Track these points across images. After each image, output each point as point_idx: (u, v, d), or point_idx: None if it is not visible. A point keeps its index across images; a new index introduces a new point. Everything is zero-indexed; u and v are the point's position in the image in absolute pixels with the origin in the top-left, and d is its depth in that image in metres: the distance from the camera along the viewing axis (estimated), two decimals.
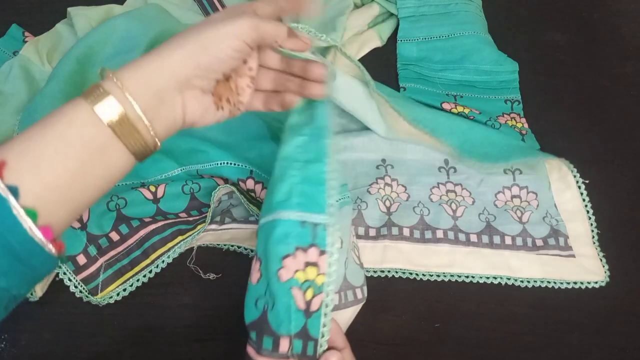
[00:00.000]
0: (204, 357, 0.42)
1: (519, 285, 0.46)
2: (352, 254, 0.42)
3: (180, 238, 0.45)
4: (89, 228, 0.44)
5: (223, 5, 0.62)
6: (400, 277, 0.46)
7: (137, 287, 0.44)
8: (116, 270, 0.44)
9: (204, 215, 0.47)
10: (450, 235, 0.48)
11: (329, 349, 0.32)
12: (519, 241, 0.49)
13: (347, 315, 0.40)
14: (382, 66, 0.61)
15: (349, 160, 0.52)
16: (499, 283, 0.46)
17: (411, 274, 0.46)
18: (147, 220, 0.46)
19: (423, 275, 0.46)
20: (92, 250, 0.43)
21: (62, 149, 0.25)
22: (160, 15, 0.55)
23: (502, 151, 0.52)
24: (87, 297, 0.42)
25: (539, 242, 0.49)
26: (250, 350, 0.32)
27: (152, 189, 0.47)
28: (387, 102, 0.48)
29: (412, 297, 0.45)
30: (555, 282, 0.47)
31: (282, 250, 0.31)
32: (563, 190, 0.52)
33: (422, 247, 0.48)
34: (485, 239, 0.49)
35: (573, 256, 0.48)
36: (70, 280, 0.42)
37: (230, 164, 0.48)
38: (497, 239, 0.49)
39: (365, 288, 0.42)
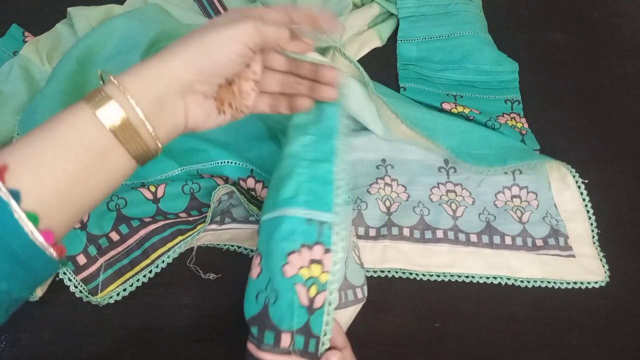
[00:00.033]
0: (204, 357, 0.42)
1: (519, 285, 0.46)
2: (353, 254, 0.42)
3: (180, 238, 0.45)
4: (89, 228, 0.44)
5: (223, 5, 0.62)
6: (400, 277, 0.46)
7: (137, 287, 0.44)
8: (116, 270, 0.44)
9: (204, 215, 0.47)
10: (450, 235, 0.49)
11: (330, 348, 0.32)
12: (519, 241, 0.49)
13: (348, 315, 0.40)
14: (382, 66, 0.61)
15: (348, 160, 0.52)
16: (499, 283, 0.46)
17: (411, 274, 0.46)
18: (147, 220, 0.46)
19: (423, 275, 0.46)
20: (92, 250, 0.43)
21: (64, 152, 0.25)
22: (160, 15, 0.55)
23: (499, 154, 0.52)
24: (87, 297, 0.42)
25: (539, 242, 0.49)
26: (250, 346, 0.32)
27: (152, 189, 0.47)
28: (385, 103, 0.48)
29: (412, 297, 0.45)
30: (555, 282, 0.47)
31: (288, 246, 0.32)
32: (563, 190, 0.52)
33: (422, 247, 0.48)
34: (485, 239, 0.49)
35: (573, 256, 0.48)
36: (70, 280, 0.42)
37: (231, 162, 0.48)
38: (497, 239, 0.49)
39: (365, 288, 0.42)
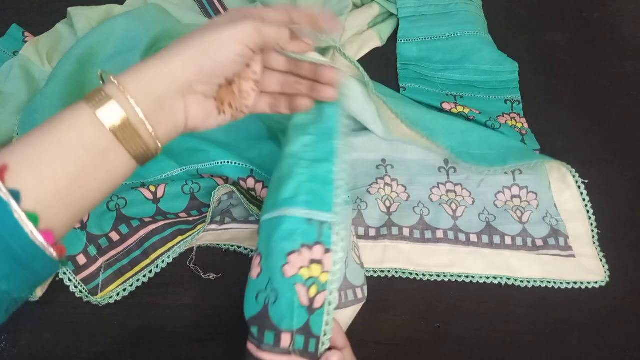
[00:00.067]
0: (204, 357, 0.42)
1: (519, 285, 0.46)
2: (353, 254, 0.42)
3: (180, 238, 0.45)
4: (89, 228, 0.44)
5: (223, 5, 0.62)
6: (400, 277, 0.46)
7: (137, 287, 0.44)
8: (116, 270, 0.44)
9: (204, 215, 0.47)
10: (450, 235, 0.49)
11: (330, 348, 0.32)
12: (519, 241, 0.49)
13: (348, 315, 0.40)
14: (382, 66, 0.61)
15: (348, 160, 0.52)
16: (499, 283, 0.46)
17: (411, 274, 0.46)
18: (147, 220, 0.46)
19: (423, 275, 0.46)
20: (92, 250, 0.43)
21: (64, 152, 0.25)
22: (160, 15, 0.55)
23: (499, 154, 0.52)
24: (87, 297, 0.42)
25: (539, 242, 0.49)
26: (250, 346, 0.32)
27: (152, 189, 0.47)
28: (385, 103, 0.48)
29: (412, 297, 0.45)
30: (555, 282, 0.47)
31: (288, 246, 0.32)
32: (563, 190, 0.52)
33: (422, 247, 0.48)
34: (485, 239, 0.49)
35: (573, 256, 0.48)
36: (70, 280, 0.42)
37: (231, 162, 0.48)
38: (497, 239, 0.49)
39: (365, 288, 0.42)
